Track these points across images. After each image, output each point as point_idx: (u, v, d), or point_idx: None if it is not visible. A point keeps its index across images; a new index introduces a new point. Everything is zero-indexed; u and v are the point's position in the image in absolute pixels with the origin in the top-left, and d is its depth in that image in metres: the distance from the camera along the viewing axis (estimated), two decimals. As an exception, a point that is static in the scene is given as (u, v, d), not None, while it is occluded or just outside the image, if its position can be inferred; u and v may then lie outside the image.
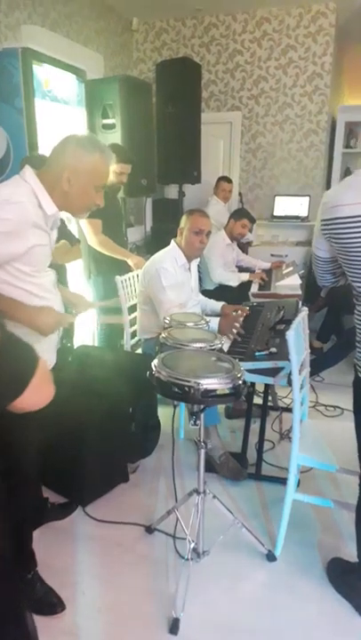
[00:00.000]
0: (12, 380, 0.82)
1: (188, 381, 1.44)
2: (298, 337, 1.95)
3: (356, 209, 1.43)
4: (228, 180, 5.03)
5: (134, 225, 5.18)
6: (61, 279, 2.87)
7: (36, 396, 0.85)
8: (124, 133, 3.57)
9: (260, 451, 2.60)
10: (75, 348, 2.90)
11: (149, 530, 2.16)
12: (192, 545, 1.85)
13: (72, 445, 2.25)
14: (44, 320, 1.53)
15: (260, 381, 2.25)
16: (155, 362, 1.57)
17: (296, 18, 4.87)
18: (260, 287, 3.94)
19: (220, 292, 3.90)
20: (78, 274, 3.35)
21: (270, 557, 2.00)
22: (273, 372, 2.21)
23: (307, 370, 2.17)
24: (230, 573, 1.95)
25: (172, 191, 5.34)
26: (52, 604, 1.76)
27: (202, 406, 1.55)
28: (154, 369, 1.54)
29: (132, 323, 3.09)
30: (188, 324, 1.92)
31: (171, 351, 1.67)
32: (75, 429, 2.22)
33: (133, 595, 1.87)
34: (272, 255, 5.11)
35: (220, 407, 3.25)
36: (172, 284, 2.66)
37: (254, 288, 3.87)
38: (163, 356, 1.61)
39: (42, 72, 3.01)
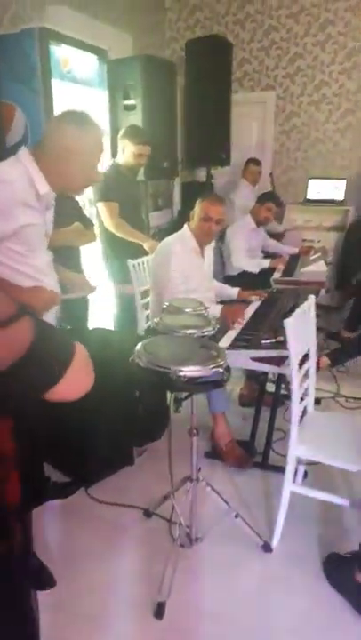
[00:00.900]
0: (47, 368, 0.75)
1: (167, 368, 1.41)
2: (300, 325, 1.87)
3: None
4: (257, 162, 4.89)
5: (162, 208, 5.14)
6: (75, 262, 2.89)
7: (73, 385, 0.78)
8: (144, 115, 3.51)
9: (268, 440, 2.54)
10: (90, 330, 2.92)
11: (147, 513, 2.16)
12: (185, 531, 1.83)
13: (77, 427, 2.27)
14: (37, 298, 1.53)
15: (263, 369, 2.18)
16: (137, 347, 1.54)
17: (335, -10, 4.63)
18: (284, 273, 3.82)
19: (242, 278, 3.82)
20: (96, 257, 3.36)
21: (266, 548, 1.96)
22: (279, 361, 2.14)
23: (313, 360, 2.08)
24: (223, 562, 1.93)
25: (203, 174, 5.25)
26: (42, 580, 1.79)
27: (184, 394, 1.52)
28: (135, 355, 1.51)
29: (146, 307, 3.07)
30: (185, 310, 1.88)
31: (156, 337, 1.64)
32: (79, 410, 2.23)
33: (125, 576, 1.88)
34: (304, 240, 4.96)
35: (234, 393, 3.21)
36: (180, 269, 2.61)
37: (277, 274, 3.77)
38: (146, 342, 1.58)
39: (60, 52, 3.00)
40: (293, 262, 4.17)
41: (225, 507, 1.98)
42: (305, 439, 1.91)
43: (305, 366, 2.03)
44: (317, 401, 3.18)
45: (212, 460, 2.57)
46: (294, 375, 1.81)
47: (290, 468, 1.90)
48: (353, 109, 4.88)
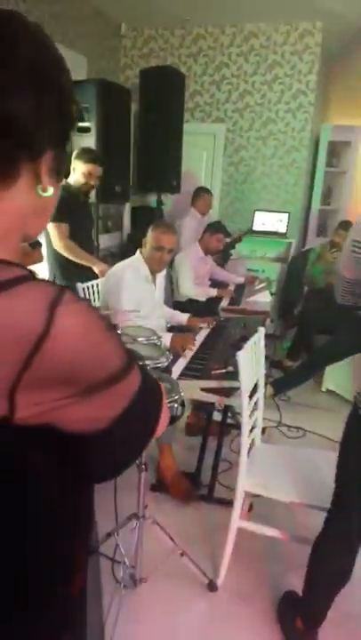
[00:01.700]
0: (149, 416, 0.67)
1: None
2: (251, 357, 1.88)
3: None
4: (207, 191, 4.98)
5: (112, 231, 5.11)
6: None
7: (162, 425, 0.71)
8: (99, 138, 3.50)
9: (214, 472, 2.51)
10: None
11: (89, 552, 2.04)
12: (128, 571, 1.75)
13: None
14: None
15: (212, 401, 2.16)
16: None
17: (283, 35, 4.87)
18: (231, 301, 3.88)
19: (190, 305, 3.83)
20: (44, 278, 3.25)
21: (211, 587, 1.91)
22: (228, 392, 2.14)
23: (261, 391, 2.09)
24: (168, 603, 1.86)
25: (153, 199, 5.27)
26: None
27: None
28: None
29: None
30: (138, 339, 1.84)
31: None
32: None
33: (63, 623, 1.76)
34: (248, 270, 5.08)
35: (181, 423, 3.17)
36: (132, 296, 2.58)
37: (225, 302, 3.81)
38: None
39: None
40: (239, 291, 4.25)
41: (171, 544, 1.92)
42: (253, 473, 1.90)
43: (254, 398, 2.03)
44: (261, 430, 3.21)
45: (158, 494, 2.50)
46: (245, 408, 1.80)
47: (238, 504, 1.87)
48: (297, 147, 5.11)
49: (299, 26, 4.79)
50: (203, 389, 2.14)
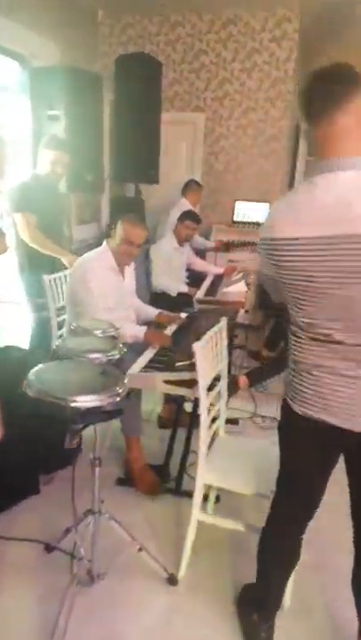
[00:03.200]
0: None
1: (59, 398, 1.31)
2: (211, 349, 1.84)
3: (289, 230, 1.20)
4: (199, 185, 4.92)
5: (89, 222, 5.03)
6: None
7: None
8: (68, 126, 3.42)
9: (182, 464, 2.48)
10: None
11: (48, 548, 2.01)
12: (86, 566, 1.71)
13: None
14: None
15: (177, 393, 2.13)
16: (29, 375, 1.42)
17: (261, 21, 4.79)
18: (207, 292, 3.83)
19: (165, 297, 3.79)
20: (12, 268, 3.19)
21: (171, 581, 1.88)
22: (194, 384, 2.10)
23: (223, 382, 2.05)
24: (126, 598, 1.83)
25: (132, 189, 5.20)
26: None
27: (79, 425, 1.41)
28: (25, 383, 1.39)
29: (61, 325, 2.93)
30: (94, 332, 1.79)
31: (53, 363, 1.53)
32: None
33: (15, 621, 1.72)
34: (230, 261, 5.03)
35: (154, 415, 3.13)
36: (98, 287, 2.52)
37: (200, 293, 3.77)
38: (39, 369, 1.47)
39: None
40: (217, 282, 4.21)
41: (129, 540, 1.88)
42: (214, 466, 1.87)
43: (216, 389, 1.99)
44: (235, 421, 3.19)
45: (124, 487, 2.46)
46: (202, 400, 1.76)
47: (197, 497, 1.84)
48: (277, 136, 5.05)
49: (277, 12, 4.71)
50: (166, 382, 2.10)
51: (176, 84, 5.28)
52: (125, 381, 1.43)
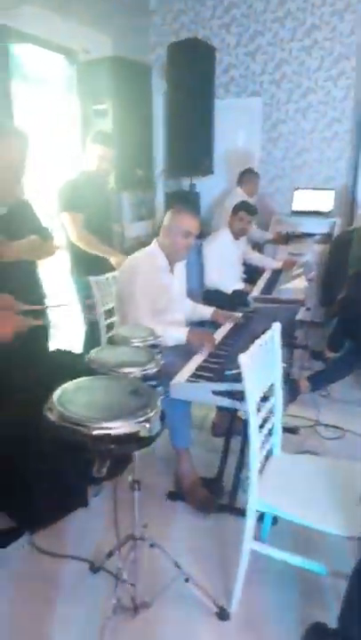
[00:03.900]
0: None
1: (80, 425, 1.16)
2: (260, 360, 1.64)
3: None
4: (256, 174, 4.68)
5: (145, 219, 4.92)
6: (32, 277, 2.65)
7: None
8: (116, 120, 3.30)
9: (236, 478, 2.30)
10: (49, 352, 2.67)
11: (94, 568, 1.91)
12: (130, 593, 1.59)
13: (21, 461, 2.03)
14: None
15: (224, 404, 1.95)
16: (54, 395, 1.29)
17: (321, -6, 4.44)
18: (264, 290, 3.60)
19: (219, 294, 3.61)
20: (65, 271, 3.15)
21: (222, 616, 1.71)
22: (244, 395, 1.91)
23: (279, 395, 1.85)
24: (172, 631, 1.68)
25: (186, 183, 5.03)
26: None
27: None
28: (48, 405, 1.26)
29: (111, 327, 2.83)
30: (132, 340, 1.65)
31: (79, 380, 1.39)
32: (24, 441, 1.99)
33: (57, 646, 1.63)
34: (290, 254, 4.75)
35: (208, 422, 2.97)
36: (147, 289, 2.39)
37: (256, 291, 3.54)
38: (65, 388, 1.33)
39: (23, 53, 2.78)
40: (275, 277, 3.96)
41: (175, 568, 1.73)
42: (268, 489, 1.67)
43: (269, 403, 1.80)
44: (294, 430, 2.95)
45: (176, 502, 2.32)
46: (252, 422, 1.57)
47: (249, 524, 1.66)
48: (339, 118, 4.68)
49: (338, -19, 4.35)
50: (215, 392, 1.93)
51: (231, 68, 5.04)
52: (159, 402, 1.27)
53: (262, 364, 1.68)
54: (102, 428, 1.16)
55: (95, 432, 1.15)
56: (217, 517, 2.22)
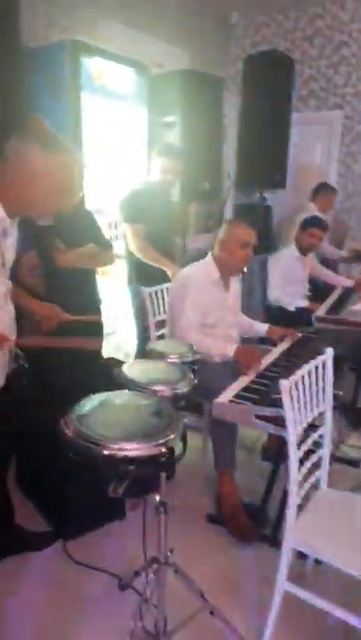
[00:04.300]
0: None
1: (93, 443, 1.11)
2: (307, 387, 1.52)
3: None
4: (333, 189, 4.49)
5: (212, 230, 4.88)
6: (91, 285, 2.68)
7: None
8: (184, 132, 3.29)
9: (281, 509, 2.15)
10: (103, 359, 2.69)
11: (122, 585, 1.85)
12: (154, 619, 1.51)
13: (60, 468, 2.03)
14: None
15: (266, 429, 1.83)
16: (74, 408, 1.25)
17: None
18: (331, 310, 3.40)
19: (281, 311, 3.46)
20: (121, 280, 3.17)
21: (249, 659, 1.59)
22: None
23: (329, 424, 1.70)
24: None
25: (256, 196, 4.94)
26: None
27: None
28: (63, 420, 1.22)
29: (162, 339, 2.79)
30: (170, 356, 1.59)
31: (102, 395, 1.34)
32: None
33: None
34: (365, 272, 4.49)
35: (258, 444, 2.83)
36: (198, 302, 2.33)
37: (321, 310, 3.35)
38: (84, 402, 1.29)
39: (94, 65, 2.85)
40: (346, 297, 3.74)
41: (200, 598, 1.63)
42: (307, 528, 1.54)
43: (316, 434, 1.66)
44: (355, 463, 2.74)
45: (217, 526, 2.22)
46: (292, 450, 1.45)
47: (284, 564, 1.52)
48: None
49: None
50: (258, 417, 1.82)
51: (312, 81, 4.89)
52: (180, 426, 1.20)
53: (311, 390, 1.56)
54: (114, 449, 1.11)
55: (106, 452, 1.10)
56: (257, 548, 2.10)
